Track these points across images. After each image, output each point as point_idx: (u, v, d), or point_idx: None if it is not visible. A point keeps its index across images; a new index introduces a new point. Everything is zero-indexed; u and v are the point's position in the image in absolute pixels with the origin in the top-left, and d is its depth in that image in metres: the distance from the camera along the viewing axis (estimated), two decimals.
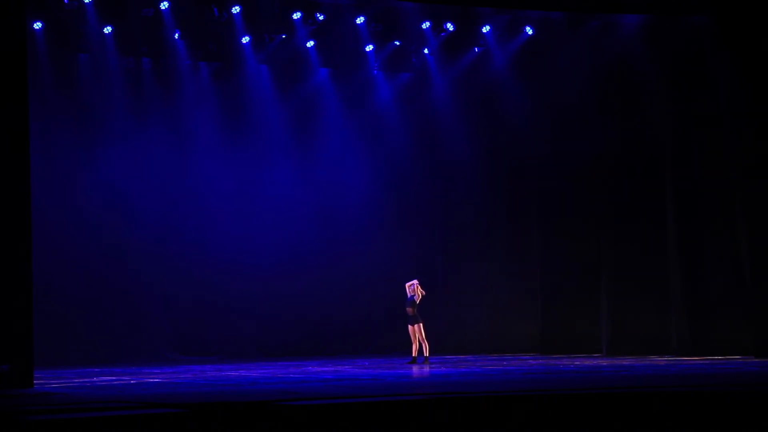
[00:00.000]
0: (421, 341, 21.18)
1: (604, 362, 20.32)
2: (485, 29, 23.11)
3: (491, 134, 25.05)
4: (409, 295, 21.21)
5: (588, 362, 20.27)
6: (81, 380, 17.03)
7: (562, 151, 23.57)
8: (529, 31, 23.02)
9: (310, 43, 23.30)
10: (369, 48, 23.66)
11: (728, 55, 21.00)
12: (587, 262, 23.31)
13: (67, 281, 22.78)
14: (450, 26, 22.89)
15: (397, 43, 23.75)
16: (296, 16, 22.20)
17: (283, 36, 22.97)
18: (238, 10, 21.83)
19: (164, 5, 21.32)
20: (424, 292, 21.23)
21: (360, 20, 22.55)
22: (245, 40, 22.88)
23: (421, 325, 21.18)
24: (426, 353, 21.17)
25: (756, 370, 17.26)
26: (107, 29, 21.84)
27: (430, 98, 25.08)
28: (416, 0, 21.66)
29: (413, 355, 21.20)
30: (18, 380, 14.99)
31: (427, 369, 19.53)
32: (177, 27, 22.07)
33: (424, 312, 21.42)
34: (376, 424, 10.85)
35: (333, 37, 23.13)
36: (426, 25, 22.87)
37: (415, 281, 21.34)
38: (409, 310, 21.16)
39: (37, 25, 21.24)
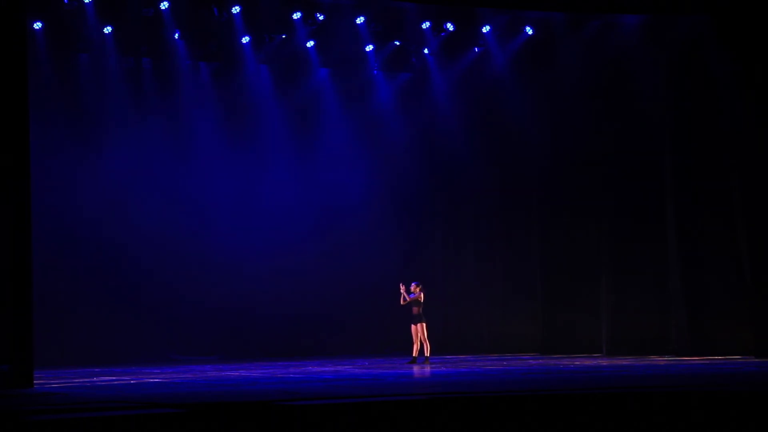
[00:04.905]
0: (423, 341, 21.16)
1: (604, 362, 20.31)
2: (485, 29, 23.10)
3: (491, 134, 25.05)
4: (411, 295, 21.16)
5: (588, 362, 20.25)
6: (81, 380, 17.02)
7: (562, 150, 23.58)
8: (529, 31, 23.00)
9: (310, 43, 23.29)
10: (369, 48, 23.66)
11: (728, 54, 20.99)
12: (587, 262, 23.30)
13: (67, 281, 22.79)
14: (450, 26, 22.89)
15: (397, 43, 23.75)
16: (296, 16, 22.21)
17: (283, 36, 22.98)
18: (238, 10, 21.83)
19: (164, 5, 21.32)
20: (408, 297, 21.15)
21: (360, 20, 22.54)
22: (245, 40, 22.88)
23: (425, 325, 21.17)
24: (427, 353, 21.16)
25: (756, 370, 17.23)
26: (107, 29, 21.84)
27: (430, 98, 25.08)
28: (416, 0, 21.64)
29: (414, 354, 21.19)
30: (18, 380, 15.00)
31: (427, 369, 19.52)
32: (177, 27, 22.08)
33: (425, 312, 21.37)
34: (376, 424, 10.84)
35: (333, 37, 23.12)
36: (426, 25, 22.87)
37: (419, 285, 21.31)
38: (413, 309, 21.14)
39: (37, 25, 21.24)
